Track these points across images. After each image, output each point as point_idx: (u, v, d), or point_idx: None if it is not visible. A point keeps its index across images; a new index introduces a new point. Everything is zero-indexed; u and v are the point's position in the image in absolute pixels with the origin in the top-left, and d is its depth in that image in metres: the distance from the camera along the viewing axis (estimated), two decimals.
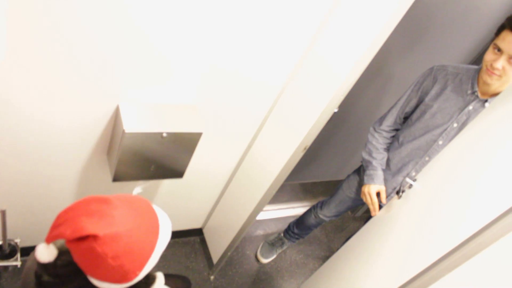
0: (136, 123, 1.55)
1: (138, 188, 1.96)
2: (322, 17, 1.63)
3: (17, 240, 1.83)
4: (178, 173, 1.85)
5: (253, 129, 2.07)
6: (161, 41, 1.44)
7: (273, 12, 1.53)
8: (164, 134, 1.58)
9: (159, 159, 1.71)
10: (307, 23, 1.63)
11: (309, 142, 1.76)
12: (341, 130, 2.96)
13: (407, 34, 2.34)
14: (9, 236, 1.73)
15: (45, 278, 1.00)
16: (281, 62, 1.75)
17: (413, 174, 1.93)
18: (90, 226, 0.89)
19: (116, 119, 1.61)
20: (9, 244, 1.84)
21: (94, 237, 0.88)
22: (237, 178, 2.31)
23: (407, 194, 1.72)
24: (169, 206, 2.33)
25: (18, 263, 1.73)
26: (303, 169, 3.13)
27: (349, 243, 2.07)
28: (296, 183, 3.46)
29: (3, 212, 1.45)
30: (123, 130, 1.50)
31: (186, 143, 1.69)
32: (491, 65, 1.64)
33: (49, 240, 0.94)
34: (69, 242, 0.92)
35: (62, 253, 0.98)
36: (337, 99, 1.62)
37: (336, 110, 1.69)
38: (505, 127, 1.38)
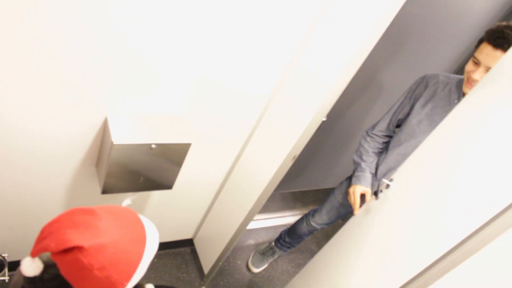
0: (125, 135, 1.54)
1: (127, 200, 1.95)
2: (308, 26, 1.64)
3: (5, 255, 1.81)
4: (167, 185, 1.85)
5: (242, 139, 2.08)
6: (149, 53, 1.44)
7: (259, 22, 1.54)
8: (153, 146, 1.58)
9: (148, 171, 1.70)
10: (293, 33, 1.64)
11: (297, 152, 1.77)
12: (330, 139, 2.98)
13: (395, 41, 2.37)
14: None
15: None
16: (267, 72, 1.76)
17: None
18: (75, 238, 0.89)
19: (104, 131, 1.61)
20: None
21: (79, 248, 0.88)
22: (227, 188, 2.31)
23: (385, 194, 1.73)
24: (159, 217, 2.32)
25: (6, 278, 1.71)
26: (293, 178, 3.14)
27: (331, 242, 2.08)
28: (286, 192, 3.47)
29: None
30: (112, 142, 1.50)
31: (175, 154, 1.69)
32: (470, 76, 1.68)
33: (34, 254, 0.93)
34: (55, 255, 0.91)
35: (49, 266, 0.98)
36: (325, 108, 1.63)
37: (324, 119, 1.70)
38: (473, 120, 1.40)
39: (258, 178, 1.99)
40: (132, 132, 1.58)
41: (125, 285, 0.98)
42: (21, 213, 1.84)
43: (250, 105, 1.89)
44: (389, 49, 2.40)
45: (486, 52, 1.62)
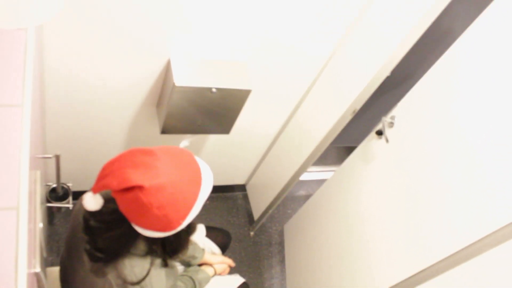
0: (187, 77, 1.56)
1: (185, 141, 1.99)
2: None
3: (70, 184, 1.91)
4: (225, 129, 1.87)
5: (301, 91, 2.05)
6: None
7: None
8: (214, 90, 1.58)
9: (207, 114, 1.72)
10: None
11: (358, 106, 1.73)
12: (392, 95, 2.88)
13: None
14: (62, 180, 1.82)
15: (92, 222, 1.05)
16: (331, 26, 1.70)
17: None
18: (135, 177, 0.91)
19: (166, 72, 1.63)
20: (62, 187, 1.93)
21: (140, 188, 0.91)
22: (282, 139, 2.31)
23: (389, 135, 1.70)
24: (214, 161, 2.36)
25: (70, 205, 1.81)
26: (349, 132, 3.08)
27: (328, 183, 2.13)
28: (341, 146, 3.43)
29: (58, 157, 1.51)
30: (173, 84, 1.52)
31: (235, 100, 1.69)
32: None
33: (96, 190, 0.98)
34: (115, 192, 0.95)
35: (108, 200, 1.02)
36: (390, 64, 1.57)
37: (388, 74, 1.63)
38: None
39: (314, 131, 1.97)
40: (194, 75, 1.59)
41: (180, 223, 1.01)
42: (85, 147, 1.93)
43: (313, 58, 1.85)
44: (470, 3, 2.23)
45: None
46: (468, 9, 2.29)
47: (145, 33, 1.48)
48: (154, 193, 0.93)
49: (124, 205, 0.97)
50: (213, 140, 2.20)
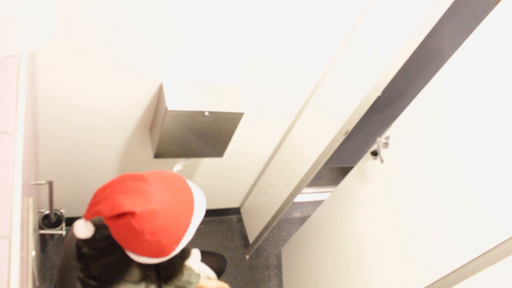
0: (179, 101, 1.56)
1: (178, 166, 1.99)
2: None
3: (63, 210, 1.90)
4: (218, 152, 1.87)
5: (294, 112, 2.06)
6: (206, 22, 1.44)
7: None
8: (206, 113, 1.59)
9: (200, 138, 1.72)
10: (350, 6, 1.60)
11: (350, 126, 1.74)
12: (385, 115, 2.91)
13: (463, 14, 2.24)
14: (55, 206, 1.81)
15: (85, 249, 1.04)
16: (322, 46, 1.72)
17: None
18: (127, 204, 0.91)
19: (159, 96, 1.63)
20: (55, 214, 1.92)
21: (131, 214, 0.90)
22: (275, 160, 2.31)
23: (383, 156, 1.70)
24: (208, 184, 2.36)
25: (63, 232, 1.80)
26: (342, 153, 3.09)
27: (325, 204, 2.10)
28: (335, 167, 3.43)
29: (51, 183, 1.50)
30: (166, 108, 1.52)
31: (227, 123, 1.70)
32: None
33: (88, 217, 0.97)
34: (107, 219, 0.95)
35: (100, 227, 1.01)
36: (381, 83, 1.59)
37: (379, 94, 1.65)
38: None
39: (307, 152, 1.98)
40: (186, 98, 1.60)
41: (174, 249, 1.00)
42: (78, 172, 1.92)
43: (304, 79, 1.86)
44: (458, 22, 2.27)
45: None
46: (456, 30, 2.33)
47: (137, 58, 1.49)
48: (146, 218, 0.92)
49: (116, 232, 0.96)
50: (206, 163, 2.20)
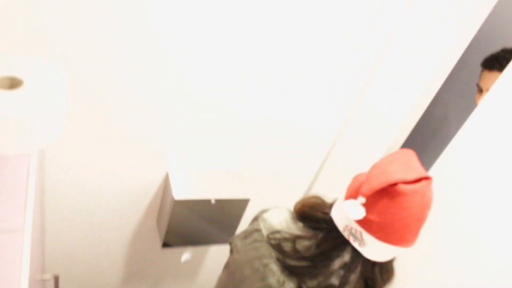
0: (185, 190, 1.58)
1: (186, 254, 1.96)
2: (372, 64, 1.62)
3: None
4: (226, 240, 1.85)
5: (302, 189, 2.06)
6: (208, 112, 1.50)
7: (320, 66, 1.54)
8: (213, 201, 1.60)
9: (208, 225, 1.72)
10: (358, 71, 1.62)
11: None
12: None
13: (469, 76, 2.25)
14: None
15: (292, 262, 0.95)
16: (327, 122, 1.76)
17: None
18: (419, 169, 0.84)
19: (165, 185, 1.65)
20: None
21: (426, 179, 0.82)
22: None
23: None
24: (218, 272, 2.30)
25: None
26: None
27: None
28: None
29: (57, 278, 1.48)
30: (173, 197, 1.53)
31: (234, 209, 1.70)
32: (476, 104, 1.63)
33: (367, 193, 0.83)
34: (383, 193, 0.82)
35: (295, 239, 0.93)
36: (392, 149, 1.59)
37: None
38: None
39: None
40: (192, 187, 1.61)
41: (415, 241, 0.88)
42: (85, 265, 1.89)
43: (310, 157, 1.89)
44: (463, 85, 2.28)
45: (484, 76, 1.69)
46: (458, 99, 2.34)
47: (143, 150, 1.53)
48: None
49: (390, 209, 0.81)
50: (215, 250, 2.17)
